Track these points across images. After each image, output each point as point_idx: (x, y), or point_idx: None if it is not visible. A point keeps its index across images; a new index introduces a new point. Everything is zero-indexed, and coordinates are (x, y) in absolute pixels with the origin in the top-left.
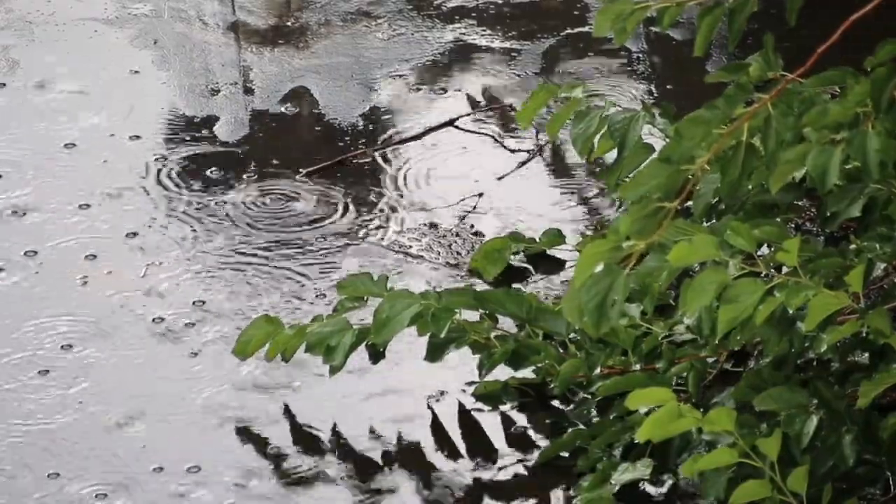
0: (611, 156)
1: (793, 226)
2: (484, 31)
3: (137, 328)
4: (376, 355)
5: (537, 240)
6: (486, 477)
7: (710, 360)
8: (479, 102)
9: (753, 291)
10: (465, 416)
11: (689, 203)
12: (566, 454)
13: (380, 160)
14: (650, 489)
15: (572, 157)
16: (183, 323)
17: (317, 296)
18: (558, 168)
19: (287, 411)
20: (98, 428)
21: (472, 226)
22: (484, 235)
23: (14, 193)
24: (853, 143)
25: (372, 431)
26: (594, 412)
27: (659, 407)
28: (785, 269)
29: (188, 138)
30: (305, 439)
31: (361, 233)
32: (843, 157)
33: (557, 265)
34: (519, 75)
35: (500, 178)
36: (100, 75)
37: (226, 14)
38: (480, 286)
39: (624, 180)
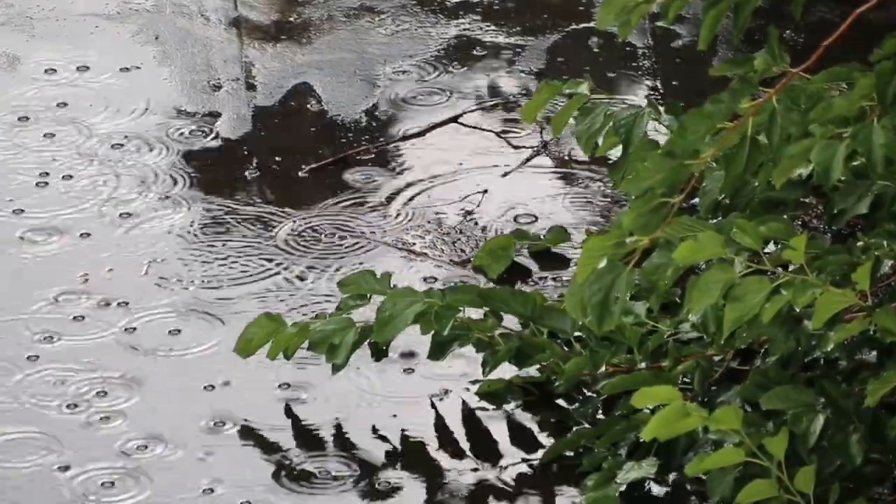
0: (616, 152)
1: (799, 223)
2: (488, 26)
3: (137, 331)
4: (379, 353)
5: (542, 237)
6: (491, 476)
7: (716, 358)
8: (482, 99)
9: (760, 289)
10: (468, 414)
11: (695, 200)
12: (571, 453)
13: (383, 157)
14: (655, 488)
15: (577, 153)
16: (184, 322)
17: (319, 293)
18: (563, 165)
19: (289, 410)
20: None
21: (476, 223)
22: (488, 233)
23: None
24: (858, 138)
25: (375, 430)
26: (599, 411)
27: (664, 405)
28: (791, 267)
29: (190, 135)
30: (308, 438)
31: (364, 230)
32: (847, 152)
33: (562, 263)
34: (523, 71)
35: (504, 175)
36: (100, 71)
37: (228, 9)
38: (485, 284)
39: (629, 177)
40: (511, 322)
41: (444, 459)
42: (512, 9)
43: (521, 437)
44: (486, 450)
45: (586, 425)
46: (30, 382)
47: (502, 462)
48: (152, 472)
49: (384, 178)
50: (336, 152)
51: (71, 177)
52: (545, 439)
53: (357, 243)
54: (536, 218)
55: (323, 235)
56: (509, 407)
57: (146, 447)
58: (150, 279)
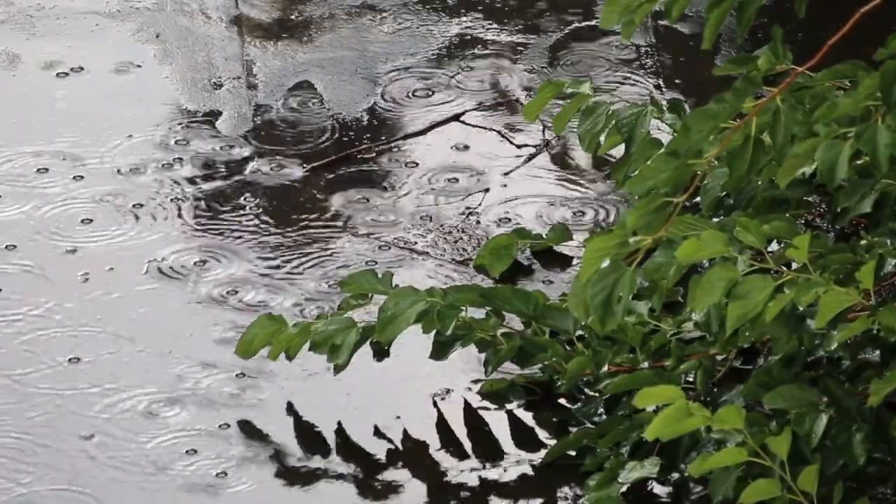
0: (618, 151)
1: (803, 222)
2: (490, 24)
3: (136, 331)
4: (381, 353)
5: (544, 236)
6: (492, 476)
7: (718, 357)
8: (484, 97)
9: (763, 288)
10: (470, 414)
11: (698, 199)
12: (573, 453)
13: (384, 155)
14: (658, 488)
15: (579, 152)
16: (185, 322)
17: (320, 292)
18: (565, 163)
19: (291, 409)
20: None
21: (478, 222)
22: (490, 232)
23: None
24: (863, 137)
25: (377, 430)
26: (601, 410)
27: (667, 405)
28: (795, 266)
29: (191, 133)
30: (310, 437)
31: (365, 229)
32: (852, 152)
33: (564, 262)
34: (525, 70)
35: (506, 174)
36: (101, 70)
37: (229, 7)
38: (486, 283)
39: (631, 176)
40: (513, 321)
41: (445, 459)
42: (514, 7)
43: (523, 436)
44: (488, 449)
45: (588, 425)
46: None
47: (504, 462)
48: None
49: (385, 177)
50: (337, 151)
51: (82, 177)
52: (547, 439)
53: (358, 242)
54: (538, 217)
55: (324, 235)
56: (511, 406)
57: None
58: (151, 277)
